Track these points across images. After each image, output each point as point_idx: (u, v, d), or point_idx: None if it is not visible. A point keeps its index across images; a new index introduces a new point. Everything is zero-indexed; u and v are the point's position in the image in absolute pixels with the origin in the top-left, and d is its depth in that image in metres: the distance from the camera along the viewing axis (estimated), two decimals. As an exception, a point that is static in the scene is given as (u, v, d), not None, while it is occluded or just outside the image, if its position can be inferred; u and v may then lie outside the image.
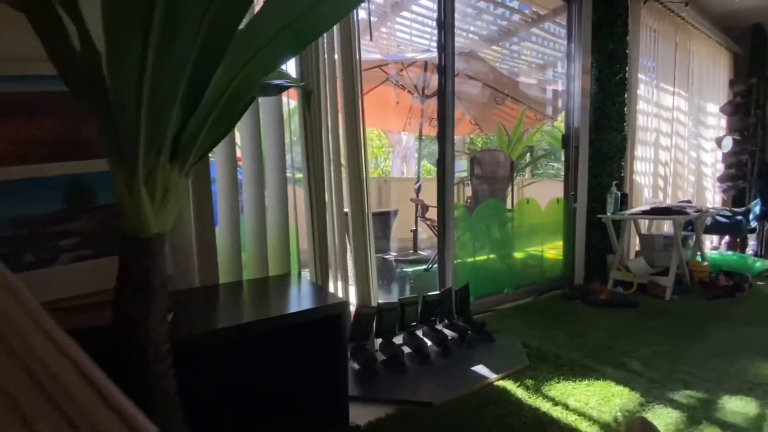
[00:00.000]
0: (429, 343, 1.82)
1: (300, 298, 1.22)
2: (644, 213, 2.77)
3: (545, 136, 4.73)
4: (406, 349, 1.75)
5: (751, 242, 3.82)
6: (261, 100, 1.52)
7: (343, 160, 1.72)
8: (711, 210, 2.95)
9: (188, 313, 1.07)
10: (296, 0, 0.67)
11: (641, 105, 3.35)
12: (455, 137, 7.11)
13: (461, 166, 6.41)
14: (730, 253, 3.35)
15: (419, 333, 1.85)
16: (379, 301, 1.76)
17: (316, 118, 1.55)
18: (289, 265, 1.59)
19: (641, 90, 3.33)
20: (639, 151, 3.36)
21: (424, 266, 3.88)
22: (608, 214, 2.83)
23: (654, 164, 3.60)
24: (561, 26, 4.10)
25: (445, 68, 2.23)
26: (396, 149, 10.75)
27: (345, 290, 1.74)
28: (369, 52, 4.81)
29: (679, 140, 3.95)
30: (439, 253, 2.32)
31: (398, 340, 1.81)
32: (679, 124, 3.94)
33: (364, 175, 1.75)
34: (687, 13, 3.72)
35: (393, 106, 4.85)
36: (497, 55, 4.76)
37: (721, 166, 4.52)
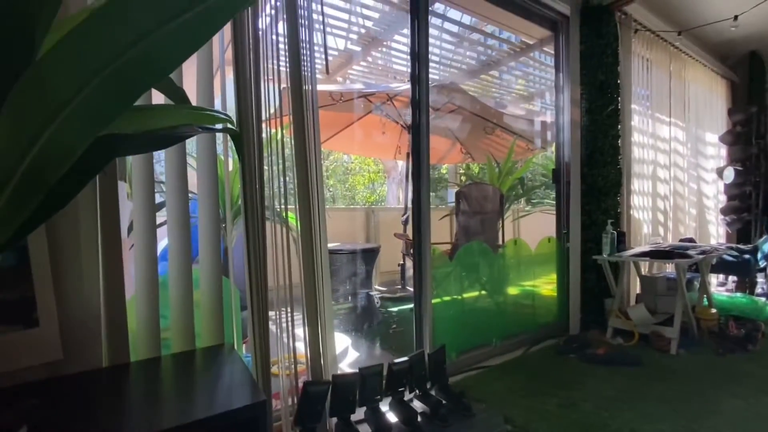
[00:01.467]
0: (395, 419, 1.56)
1: (211, 393, 0.98)
2: (643, 254, 2.53)
3: (538, 167, 4.56)
4: (367, 430, 1.49)
5: (760, 279, 3.55)
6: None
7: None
8: (717, 251, 2.71)
9: (53, 421, 0.83)
10: (121, 22, 0.47)
11: (636, 137, 3.17)
12: (447, 165, 6.91)
13: (453, 196, 6.23)
14: (739, 294, 3.09)
15: (385, 407, 1.59)
16: (334, 373, 1.51)
17: (253, 155, 1.34)
18: (223, 334, 1.35)
19: (636, 121, 3.16)
20: (636, 185, 3.16)
21: (411, 305, 3.61)
22: (604, 255, 2.60)
23: (653, 198, 3.38)
24: (549, 54, 4.00)
25: (419, 102, 2.06)
26: (392, 175, 10.64)
27: (292, 363, 1.49)
28: (358, 81, 4.72)
29: (678, 172, 3.75)
30: (415, 305, 2.08)
31: (359, 413, 1.55)
32: (677, 155, 3.75)
33: (316, 211, 1.53)
34: (680, 41, 3.61)
35: (381, 135, 4.72)
36: (483, 85, 4.66)
37: (723, 198, 4.31)
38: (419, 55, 2.06)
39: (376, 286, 4.42)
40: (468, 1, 2.86)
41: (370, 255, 3.25)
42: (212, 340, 1.33)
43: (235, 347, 1.37)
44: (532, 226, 4.54)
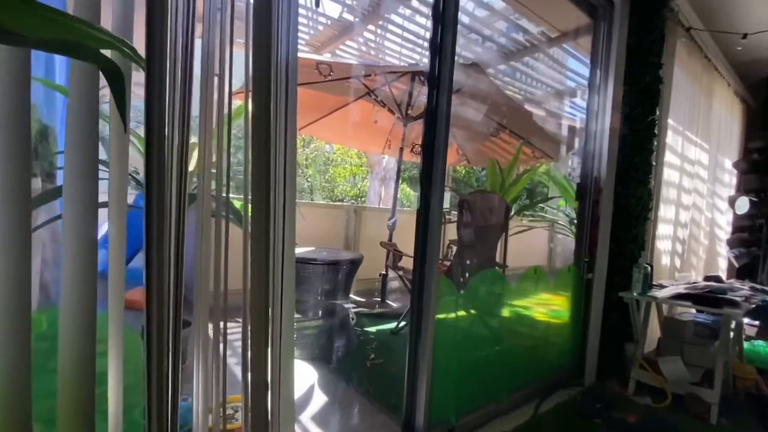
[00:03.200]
0: None
1: None
2: (682, 297, 2.10)
3: (542, 177, 4.15)
4: None
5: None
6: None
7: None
8: (756, 295, 2.33)
9: None
10: None
11: (668, 156, 2.76)
12: None
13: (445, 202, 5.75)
14: (761, 342, 2.75)
15: None
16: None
17: (167, 117, 0.76)
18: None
19: (669, 138, 2.74)
20: (662, 210, 2.75)
21: (392, 325, 3.10)
22: (634, 293, 2.16)
23: (674, 226, 3.00)
24: (568, 53, 3.55)
25: (439, 78, 1.51)
26: (375, 170, 10.11)
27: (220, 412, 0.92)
28: (352, 57, 4.12)
29: (698, 198, 3.40)
30: (409, 356, 1.55)
31: None
32: (699, 180, 3.39)
33: (280, 205, 0.98)
34: (714, 55, 3.24)
35: (372, 125, 4.14)
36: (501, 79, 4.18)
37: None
38: (445, 15, 1.51)
39: (351, 295, 3.88)
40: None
41: (349, 267, 2.69)
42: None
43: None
44: (520, 241, 4.08)
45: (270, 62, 0.96)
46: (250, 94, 0.93)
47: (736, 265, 3.91)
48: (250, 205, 0.96)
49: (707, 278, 2.89)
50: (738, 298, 2.10)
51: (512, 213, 3.71)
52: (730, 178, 4.12)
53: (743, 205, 3.79)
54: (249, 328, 0.97)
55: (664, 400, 2.03)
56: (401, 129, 3.72)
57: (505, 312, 1.95)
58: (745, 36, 2.68)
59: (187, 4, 0.81)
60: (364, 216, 4.38)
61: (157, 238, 0.79)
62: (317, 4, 2.49)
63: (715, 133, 3.66)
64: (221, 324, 0.99)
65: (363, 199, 10.69)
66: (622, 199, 2.30)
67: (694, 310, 2.71)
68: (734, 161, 4.08)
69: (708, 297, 2.00)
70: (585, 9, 2.37)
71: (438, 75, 1.54)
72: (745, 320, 3.21)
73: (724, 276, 3.97)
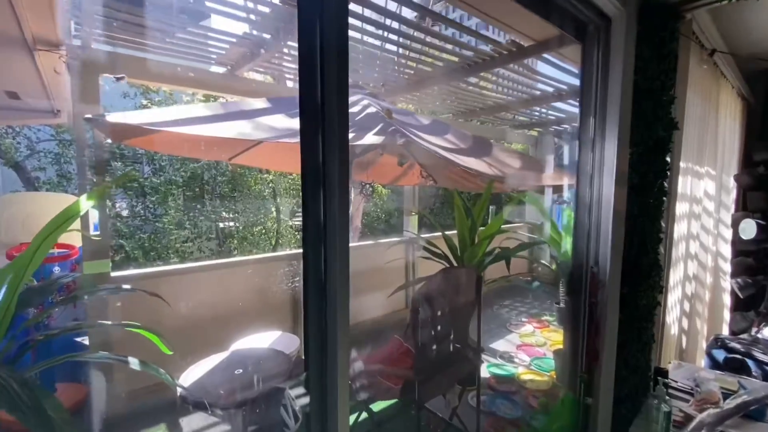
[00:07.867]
0: None
1: None
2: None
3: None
4: None
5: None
6: None
7: None
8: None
9: None
10: None
11: (678, 209, 2.14)
12: (402, 187, 5.60)
13: (409, 223, 5.07)
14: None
15: None
16: None
17: None
18: None
19: (679, 186, 2.12)
20: (672, 279, 2.16)
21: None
22: (651, 438, 1.57)
23: (682, 285, 2.42)
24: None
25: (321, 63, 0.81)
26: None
27: None
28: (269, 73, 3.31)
29: (702, 234, 2.83)
30: None
31: None
32: (705, 215, 2.82)
33: None
34: (723, 60, 2.59)
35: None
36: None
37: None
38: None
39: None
40: None
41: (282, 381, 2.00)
42: None
43: None
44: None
45: None
46: None
47: (741, 296, 3.43)
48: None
49: (713, 340, 2.33)
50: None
51: (487, 261, 3.08)
52: (733, 196, 3.57)
53: (749, 228, 3.27)
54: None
55: None
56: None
57: None
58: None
59: None
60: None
61: None
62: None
63: (721, 147, 3.06)
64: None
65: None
66: (630, 302, 1.67)
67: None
68: (735, 174, 3.53)
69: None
70: (570, 30, 1.64)
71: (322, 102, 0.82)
72: None
73: (728, 311, 3.49)
